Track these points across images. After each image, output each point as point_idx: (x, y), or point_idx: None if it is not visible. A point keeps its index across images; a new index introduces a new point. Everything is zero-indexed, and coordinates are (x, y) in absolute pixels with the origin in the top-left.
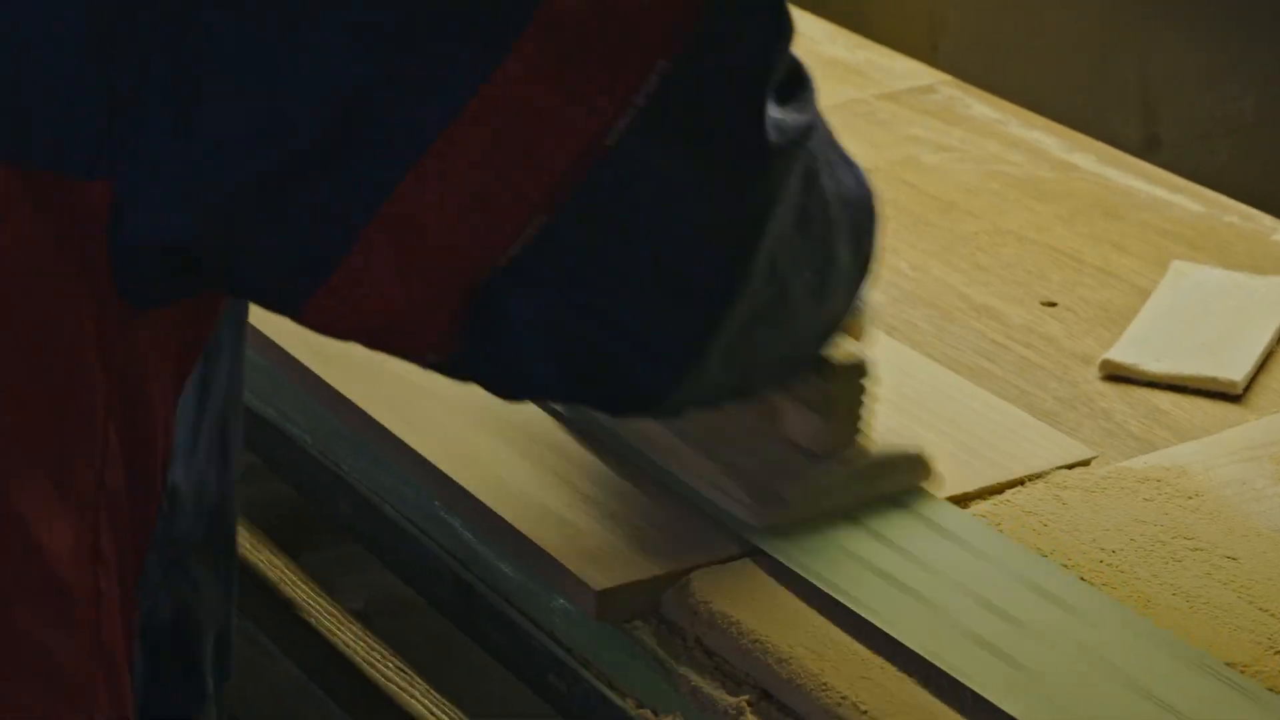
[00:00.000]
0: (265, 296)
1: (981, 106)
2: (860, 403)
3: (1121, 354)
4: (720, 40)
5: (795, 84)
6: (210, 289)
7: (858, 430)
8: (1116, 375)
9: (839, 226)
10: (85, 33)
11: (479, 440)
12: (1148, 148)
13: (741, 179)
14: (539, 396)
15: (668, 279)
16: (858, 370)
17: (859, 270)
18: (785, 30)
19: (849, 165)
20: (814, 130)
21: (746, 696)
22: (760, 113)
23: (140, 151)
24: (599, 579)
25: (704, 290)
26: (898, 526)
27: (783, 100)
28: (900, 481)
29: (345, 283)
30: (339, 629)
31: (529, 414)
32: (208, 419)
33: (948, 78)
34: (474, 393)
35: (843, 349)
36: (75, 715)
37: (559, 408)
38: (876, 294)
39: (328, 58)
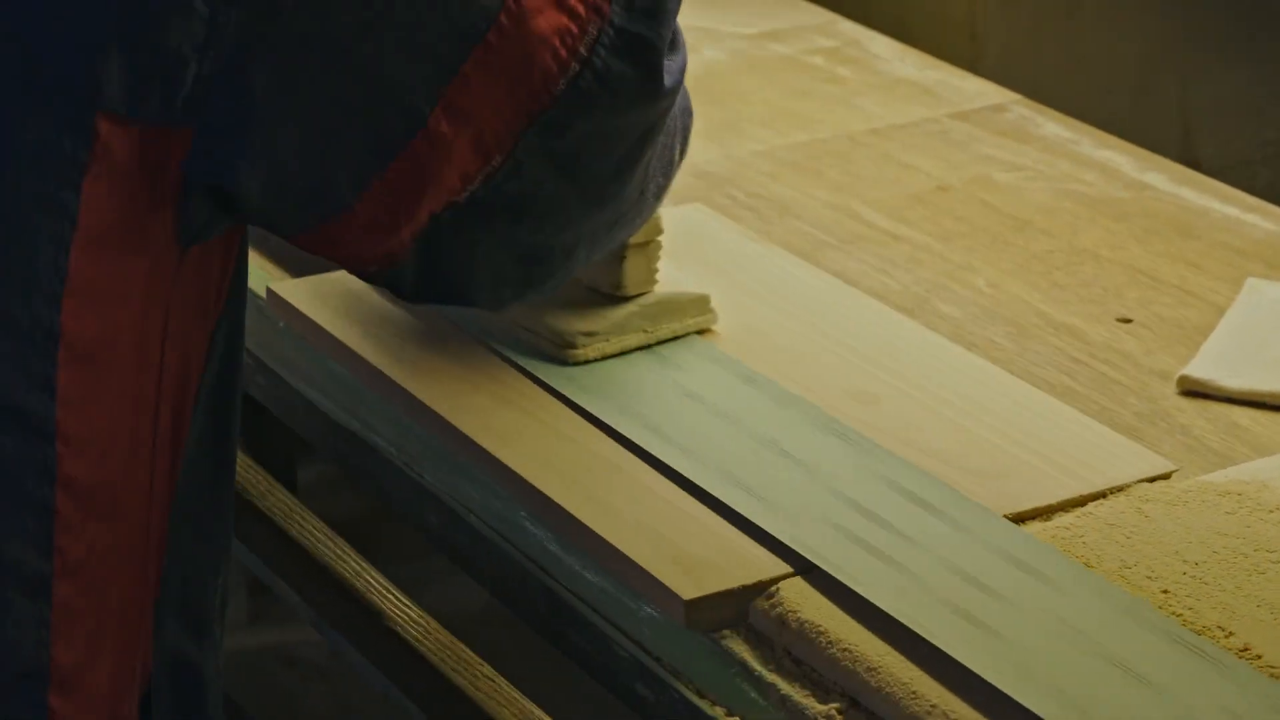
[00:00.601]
0: (271, 225)
1: (1054, 126)
2: (653, 252)
3: (1199, 370)
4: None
5: (675, 30)
6: (235, 222)
7: (651, 278)
8: (1194, 391)
9: (679, 134)
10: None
11: (564, 451)
12: None
13: (646, 121)
14: (451, 303)
15: (589, 201)
16: (651, 224)
17: (682, 159)
18: None
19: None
20: (685, 65)
21: (836, 704)
22: (660, 67)
23: (222, 107)
24: (688, 588)
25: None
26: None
27: (671, 48)
28: (688, 323)
29: (341, 227)
30: (426, 637)
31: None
32: (206, 379)
33: (1018, 97)
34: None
35: None
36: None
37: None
38: (954, 310)
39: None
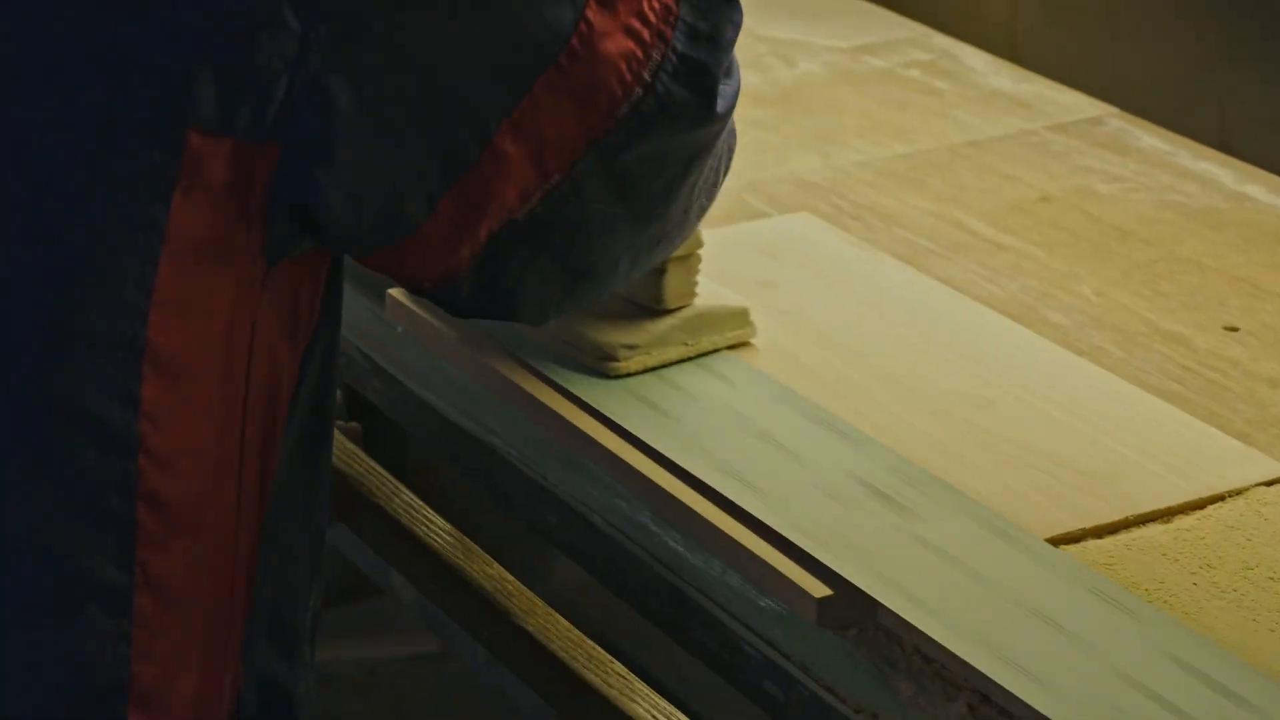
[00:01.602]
0: (345, 245)
1: (1150, 138)
2: (693, 266)
3: None
4: (693, 38)
5: (731, 58)
6: (314, 242)
7: (691, 291)
8: None
9: (725, 155)
10: (283, 30)
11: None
12: None
13: (699, 144)
14: (499, 319)
15: (638, 220)
16: (692, 238)
17: (724, 178)
18: (738, 21)
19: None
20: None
21: (966, 701)
22: (716, 92)
23: (309, 124)
24: (819, 586)
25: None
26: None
27: (726, 74)
28: (727, 336)
29: (408, 247)
30: (558, 637)
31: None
32: (299, 403)
33: (1114, 109)
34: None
35: None
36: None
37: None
38: (1062, 318)
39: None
